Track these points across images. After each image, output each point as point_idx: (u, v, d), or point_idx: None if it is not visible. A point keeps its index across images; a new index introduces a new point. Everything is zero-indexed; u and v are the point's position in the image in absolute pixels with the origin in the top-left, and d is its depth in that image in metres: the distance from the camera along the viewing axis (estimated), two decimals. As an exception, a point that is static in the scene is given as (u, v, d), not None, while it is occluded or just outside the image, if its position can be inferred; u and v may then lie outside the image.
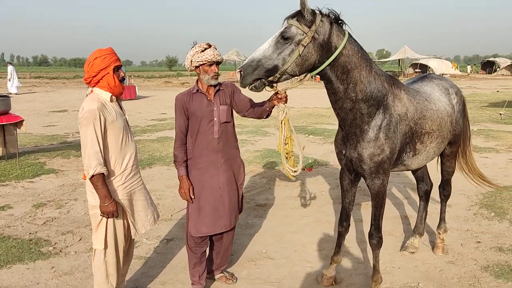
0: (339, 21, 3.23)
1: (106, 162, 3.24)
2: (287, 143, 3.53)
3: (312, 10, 3.09)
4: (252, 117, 3.89)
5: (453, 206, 5.98)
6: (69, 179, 7.69)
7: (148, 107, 20.31)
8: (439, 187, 4.81)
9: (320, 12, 3.14)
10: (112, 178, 3.30)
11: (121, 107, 3.49)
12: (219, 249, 4.07)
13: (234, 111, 3.94)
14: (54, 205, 6.26)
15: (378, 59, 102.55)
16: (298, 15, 3.06)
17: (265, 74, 3.06)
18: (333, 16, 3.18)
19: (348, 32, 3.27)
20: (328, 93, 3.39)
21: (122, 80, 3.42)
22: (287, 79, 3.18)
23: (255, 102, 3.85)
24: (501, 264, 4.30)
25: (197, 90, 3.76)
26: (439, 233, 4.67)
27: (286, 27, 3.05)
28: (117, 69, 3.35)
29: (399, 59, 54.11)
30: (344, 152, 3.69)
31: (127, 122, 3.50)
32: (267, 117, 3.84)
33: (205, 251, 3.97)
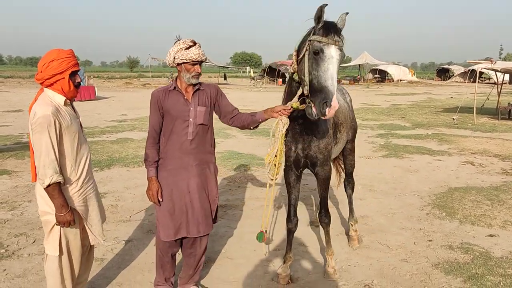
0: None
1: (61, 169, 3.06)
2: (277, 155, 3.65)
3: None
4: (236, 126, 3.76)
5: (407, 207, 6.20)
6: (23, 180, 7.43)
7: (108, 108, 19.92)
8: (344, 181, 5.21)
9: None
10: (68, 185, 3.13)
11: (74, 110, 3.30)
12: (189, 259, 3.81)
13: (216, 116, 3.78)
14: (7, 207, 6.05)
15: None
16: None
17: None
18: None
19: None
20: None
21: (77, 85, 3.22)
22: None
23: (240, 112, 3.75)
24: (450, 261, 4.49)
25: (174, 88, 3.55)
26: (352, 225, 4.95)
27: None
28: (73, 74, 3.16)
29: (359, 65, 55.51)
30: (294, 148, 3.86)
31: (81, 125, 3.34)
32: (254, 128, 3.74)
33: (175, 255, 3.81)
